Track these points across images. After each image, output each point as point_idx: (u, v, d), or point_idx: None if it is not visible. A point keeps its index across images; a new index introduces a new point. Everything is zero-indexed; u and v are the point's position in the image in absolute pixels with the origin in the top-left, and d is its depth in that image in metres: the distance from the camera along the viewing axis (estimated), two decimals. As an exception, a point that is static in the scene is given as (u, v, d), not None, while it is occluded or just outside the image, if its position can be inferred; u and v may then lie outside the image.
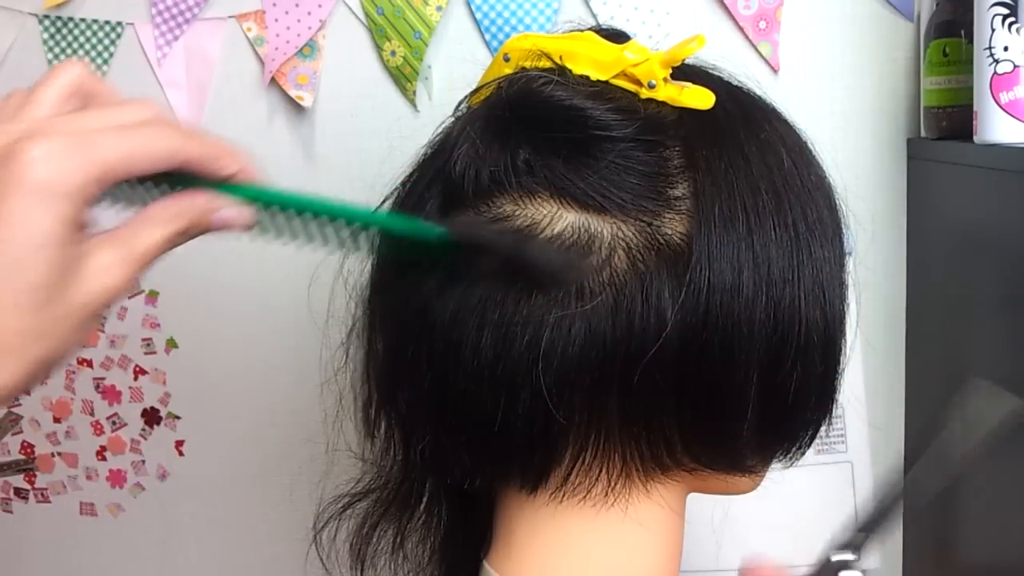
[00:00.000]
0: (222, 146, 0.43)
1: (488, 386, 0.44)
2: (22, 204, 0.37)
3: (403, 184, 0.50)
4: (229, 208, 0.43)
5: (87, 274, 0.39)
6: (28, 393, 0.93)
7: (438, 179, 0.47)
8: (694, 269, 0.43)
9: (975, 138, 0.72)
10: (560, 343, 0.43)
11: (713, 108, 0.46)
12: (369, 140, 0.86)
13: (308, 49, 0.86)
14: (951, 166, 0.78)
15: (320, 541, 0.59)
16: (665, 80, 0.46)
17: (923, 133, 0.82)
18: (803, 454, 0.50)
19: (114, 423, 0.94)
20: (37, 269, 0.37)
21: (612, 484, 0.46)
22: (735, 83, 0.50)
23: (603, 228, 0.43)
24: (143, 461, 0.94)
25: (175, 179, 0.42)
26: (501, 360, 0.43)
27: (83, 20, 0.87)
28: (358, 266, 0.53)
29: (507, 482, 0.48)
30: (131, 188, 0.42)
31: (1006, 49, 0.68)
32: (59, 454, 0.95)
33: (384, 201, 0.50)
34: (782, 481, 0.55)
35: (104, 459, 0.94)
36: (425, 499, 0.55)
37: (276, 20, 0.85)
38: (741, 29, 0.83)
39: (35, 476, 0.95)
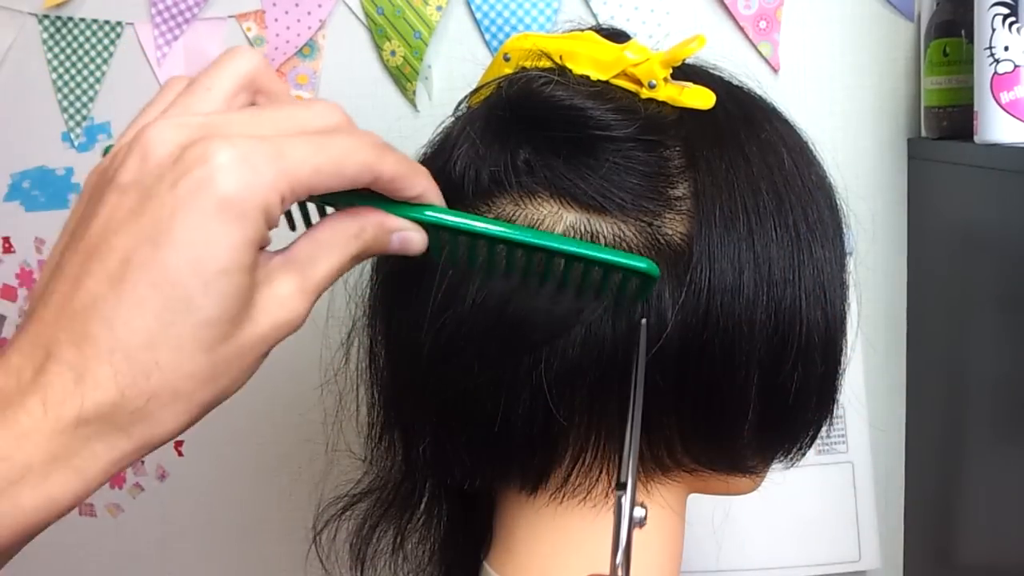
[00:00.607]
0: (414, 164, 0.38)
1: (489, 387, 0.44)
2: (202, 222, 0.31)
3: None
4: (409, 230, 0.38)
5: (264, 307, 0.34)
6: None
7: (438, 179, 0.47)
8: (694, 269, 0.43)
9: (975, 138, 0.72)
10: (560, 344, 0.43)
11: (713, 108, 0.46)
12: (369, 140, 0.86)
13: (308, 49, 0.86)
14: (951, 166, 0.78)
15: (320, 542, 0.59)
16: (665, 80, 0.46)
17: (923, 133, 0.82)
18: (804, 454, 0.50)
19: (114, 423, 0.94)
20: (216, 302, 0.32)
21: (612, 485, 0.46)
22: (735, 83, 0.50)
23: (603, 228, 0.43)
24: (143, 461, 0.94)
25: (346, 195, 0.37)
26: (502, 361, 0.43)
27: (83, 20, 0.87)
28: (360, 267, 0.53)
29: (507, 483, 0.48)
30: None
31: (1006, 49, 0.68)
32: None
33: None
34: (783, 481, 0.55)
35: (104, 459, 0.94)
36: (425, 499, 0.55)
37: (276, 20, 0.85)
38: (741, 29, 0.83)
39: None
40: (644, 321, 0.42)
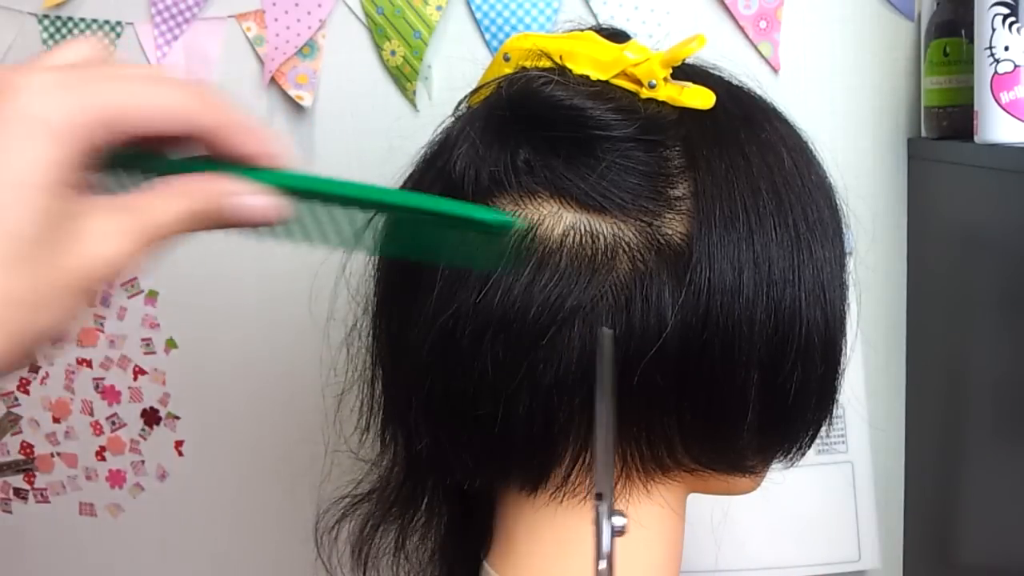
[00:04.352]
0: (247, 120, 0.37)
1: (489, 387, 0.44)
2: (8, 137, 0.32)
3: (403, 184, 0.50)
4: (256, 195, 0.36)
5: (83, 238, 0.33)
6: (28, 392, 0.93)
7: (438, 179, 0.47)
8: (694, 269, 0.43)
9: (976, 138, 0.72)
10: (560, 344, 0.43)
11: (713, 108, 0.46)
12: (369, 140, 0.86)
13: (308, 49, 0.86)
14: (951, 166, 0.78)
15: (321, 542, 0.59)
16: (665, 80, 0.46)
17: (924, 133, 0.82)
18: (804, 454, 0.50)
19: (113, 423, 0.94)
20: (21, 215, 0.31)
21: (612, 484, 0.46)
22: (735, 83, 0.50)
23: (603, 228, 0.43)
24: (143, 461, 0.94)
25: (187, 163, 0.36)
26: (502, 361, 0.43)
27: (83, 20, 0.87)
28: (360, 267, 0.53)
29: (507, 482, 0.48)
30: (132, 173, 0.36)
31: (1007, 49, 0.68)
32: (58, 454, 0.95)
33: None
34: (782, 481, 0.55)
35: (104, 459, 0.94)
36: (426, 500, 0.55)
37: (276, 20, 0.85)
38: (741, 29, 0.83)
39: (34, 476, 0.95)
40: (606, 331, 0.41)
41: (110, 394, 0.93)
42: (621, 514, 0.37)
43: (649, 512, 0.48)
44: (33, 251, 0.32)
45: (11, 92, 0.32)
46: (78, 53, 0.36)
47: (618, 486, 0.47)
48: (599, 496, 0.37)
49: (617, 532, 0.36)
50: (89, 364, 0.93)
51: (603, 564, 0.36)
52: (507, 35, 0.83)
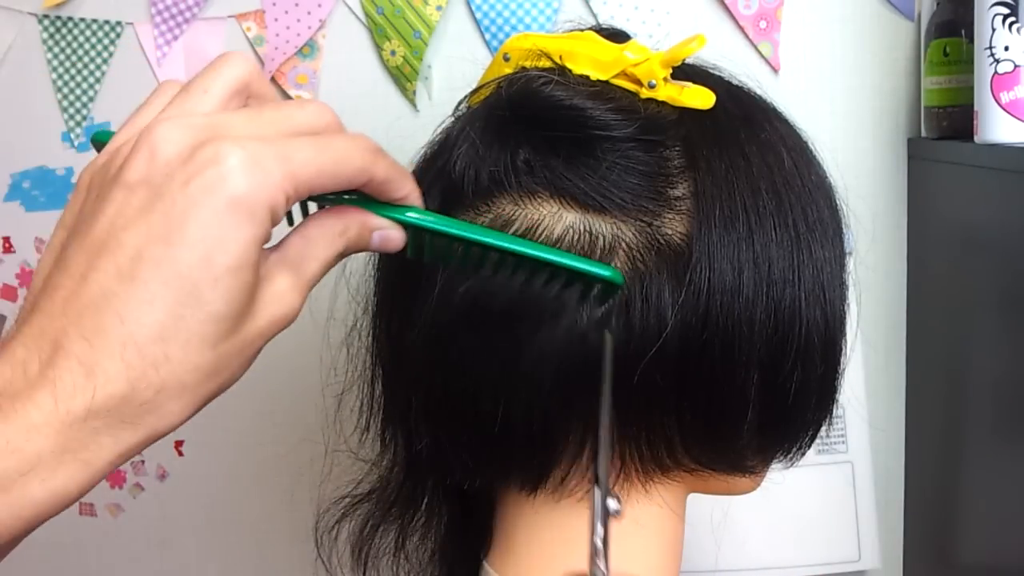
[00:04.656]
0: (402, 168, 0.39)
1: (488, 387, 0.44)
2: (215, 221, 0.32)
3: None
4: (390, 229, 0.39)
5: (264, 302, 0.35)
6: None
7: (438, 179, 0.47)
8: (694, 269, 0.43)
9: (976, 138, 0.72)
10: (560, 343, 0.43)
11: (713, 108, 0.46)
12: (369, 140, 0.86)
13: (308, 49, 0.86)
14: (951, 166, 0.78)
15: (321, 542, 0.59)
16: (665, 80, 0.46)
17: (924, 133, 0.82)
18: (804, 454, 0.50)
19: (114, 423, 0.94)
20: (225, 297, 0.33)
21: (611, 484, 0.46)
22: (735, 83, 0.50)
23: (603, 228, 0.43)
24: (143, 461, 0.94)
25: (334, 193, 0.38)
26: (501, 361, 0.43)
27: (83, 20, 0.87)
28: (360, 267, 0.53)
29: (507, 482, 0.48)
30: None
31: (1007, 49, 0.68)
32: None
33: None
34: (782, 481, 0.55)
35: (104, 459, 0.94)
36: (426, 500, 0.55)
37: (276, 20, 0.85)
38: (741, 29, 0.83)
39: (35, 476, 0.95)
40: (608, 334, 0.42)
41: (110, 394, 0.93)
42: (616, 498, 0.37)
43: (649, 512, 0.48)
44: (231, 326, 0.34)
45: (214, 171, 0.32)
46: (237, 75, 0.37)
47: (617, 486, 0.47)
48: (596, 480, 0.38)
49: (613, 515, 0.37)
50: (89, 364, 0.93)
51: (598, 540, 0.36)
52: (507, 35, 0.83)
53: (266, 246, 0.36)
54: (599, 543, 0.37)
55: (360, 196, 0.38)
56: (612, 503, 0.37)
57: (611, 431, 0.42)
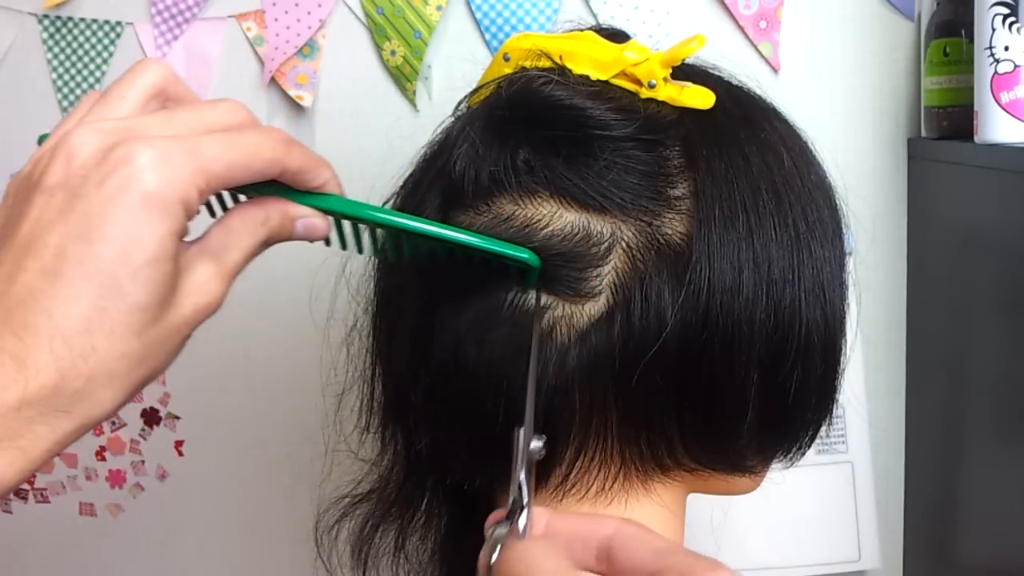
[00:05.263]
0: (317, 157, 0.40)
1: (488, 387, 0.44)
2: (129, 217, 0.34)
3: (403, 184, 0.50)
4: (312, 217, 0.41)
5: (186, 292, 0.37)
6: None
7: (438, 179, 0.47)
8: (694, 269, 0.43)
9: (976, 138, 0.72)
10: (560, 343, 0.43)
11: (713, 108, 0.46)
12: (369, 140, 0.86)
13: (308, 49, 0.86)
14: (951, 166, 0.78)
15: (321, 542, 0.59)
16: (665, 80, 0.46)
17: (924, 133, 0.82)
18: (803, 454, 0.50)
19: (113, 423, 0.94)
20: (145, 289, 0.35)
21: (611, 484, 0.46)
22: (735, 83, 0.50)
23: (603, 228, 0.43)
24: (143, 461, 0.94)
25: (255, 185, 0.39)
26: (501, 360, 0.43)
27: (83, 20, 0.87)
28: (360, 267, 0.53)
29: (507, 482, 0.48)
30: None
31: (1007, 49, 0.68)
32: (58, 454, 0.95)
33: (385, 202, 0.50)
34: (782, 481, 0.55)
35: (103, 459, 0.94)
36: (426, 499, 0.55)
37: (276, 20, 0.85)
38: (741, 29, 0.83)
39: (34, 476, 0.95)
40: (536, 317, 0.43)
41: (110, 394, 0.93)
42: (539, 437, 0.38)
43: (648, 512, 0.48)
44: (154, 316, 0.35)
45: (125, 171, 0.34)
46: (152, 79, 0.39)
47: (616, 486, 0.47)
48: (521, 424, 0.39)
49: (536, 454, 0.38)
50: (89, 364, 0.93)
51: (522, 475, 0.37)
52: (507, 35, 0.83)
53: (191, 239, 0.38)
54: (522, 477, 0.38)
55: (282, 187, 0.40)
56: (535, 442, 0.39)
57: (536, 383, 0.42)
